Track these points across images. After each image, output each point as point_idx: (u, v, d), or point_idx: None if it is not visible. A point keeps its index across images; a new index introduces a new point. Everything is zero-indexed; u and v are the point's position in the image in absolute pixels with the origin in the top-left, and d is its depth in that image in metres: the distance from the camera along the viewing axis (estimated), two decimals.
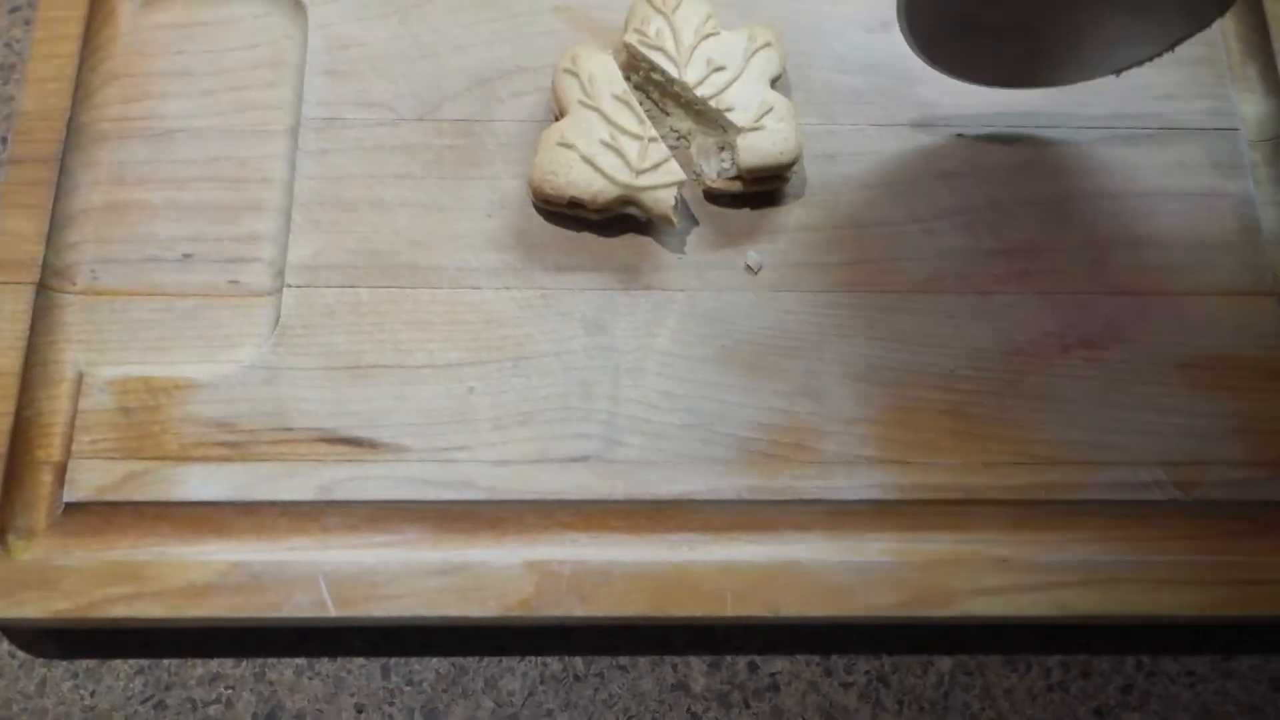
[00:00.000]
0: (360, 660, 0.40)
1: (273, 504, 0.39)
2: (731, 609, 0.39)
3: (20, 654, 0.40)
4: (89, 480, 0.39)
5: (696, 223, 0.44)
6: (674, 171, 0.42)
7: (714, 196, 0.44)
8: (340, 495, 0.39)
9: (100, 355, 0.41)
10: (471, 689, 0.40)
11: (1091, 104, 0.46)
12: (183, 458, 0.40)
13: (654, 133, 0.43)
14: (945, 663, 0.41)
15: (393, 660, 0.40)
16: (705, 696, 0.40)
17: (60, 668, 0.40)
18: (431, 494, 0.40)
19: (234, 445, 0.40)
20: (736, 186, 0.44)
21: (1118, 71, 0.44)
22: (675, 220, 0.43)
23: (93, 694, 0.39)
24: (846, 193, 0.45)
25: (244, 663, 0.40)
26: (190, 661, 0.40)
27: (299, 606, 0.38)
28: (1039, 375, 0.42)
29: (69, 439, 0.40)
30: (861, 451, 0.41)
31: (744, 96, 0.44)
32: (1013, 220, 0.45)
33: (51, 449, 0.40)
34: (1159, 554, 0.40)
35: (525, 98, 0.46)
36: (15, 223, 0.43)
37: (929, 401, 0.42)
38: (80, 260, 0.43)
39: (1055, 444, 0.41)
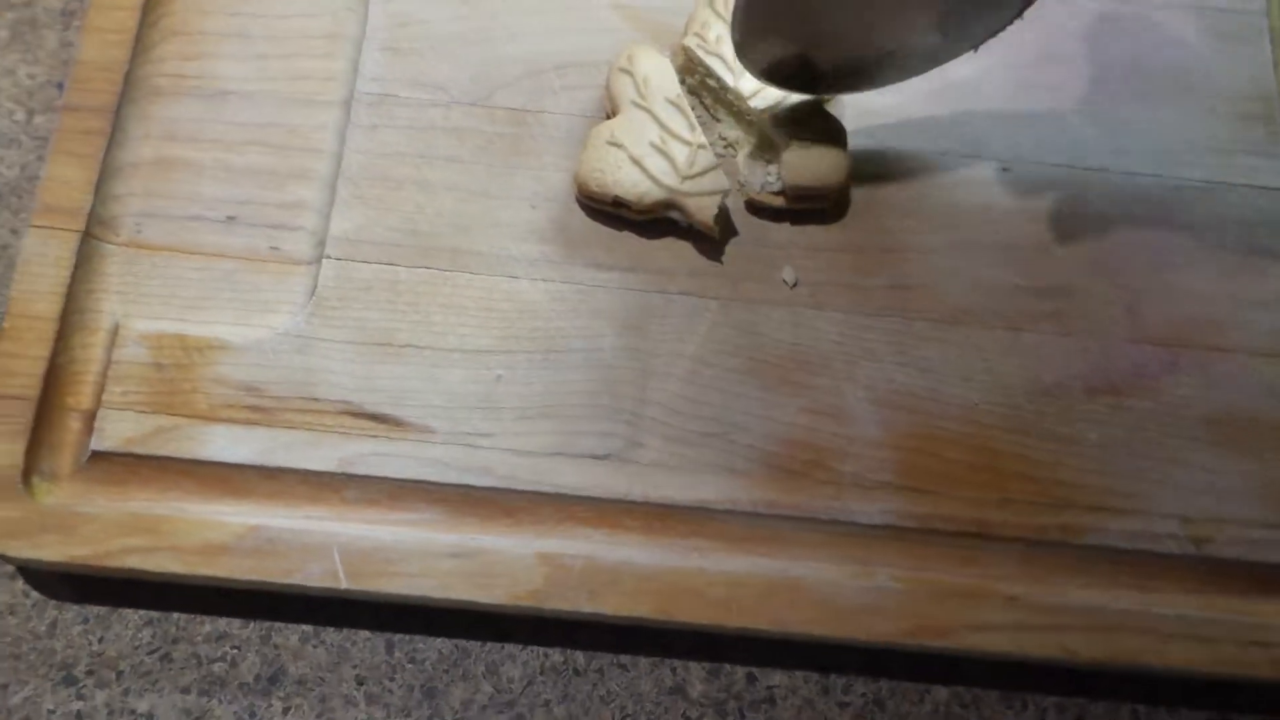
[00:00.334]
0: (366, 633, 0.41)
1: (294, 471, 0.40)
2: (736, 619, 0.39)
3: (34, 594, 0.40)
4: (117, 431, 0.40)
5: (737, 232, 0.44)
6: (719, 181, 0.43)
7: (756, 208, 0.45)
8: (361, 469, 0.40)
9: (137, 308, 0.42)
10: (472, 672, 0.40)
11: (1140, 150, 0.46)
12: (210, 417, 0.40)
13: (703, 140, 0.43)
14: (942, 692, 0.41)
15: (397, 636, 0.41)
16: (701, 703, 0.40)
17: (71, 611, 0.40)
18: (451, 477, 0.40)
19: (261, 410, 0.40)
20: (779, 201, 0.44)
21: (975, 47, 0.43)
22: (717, 230, 0.43)
23: (101, 640, 0.40)
24: (889, 216, 0.45)
25: (251, 624, 0.40)
26: (199, 618, 0.40)
27: (311, 575, 0.38)
28: (1062, 417, 0.42)
29: (100, 388, 0.40)
30: (879, 476, 0.41)
31: (797, 113, 0.44)
32: (1051, 260, 0.45)
33: (82, 397, 0.40)
34: (1167, 606, 0.40)
35: (578, 92, 0.46)
36: (65, 170, 0.43)
37: (951, 433, 0.42)
38: (125, 213, 0.43)
39: (1072, 487, 0.41)
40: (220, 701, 0.39)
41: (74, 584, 0.40)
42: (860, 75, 0.44)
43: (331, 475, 0.40)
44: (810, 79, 0.43)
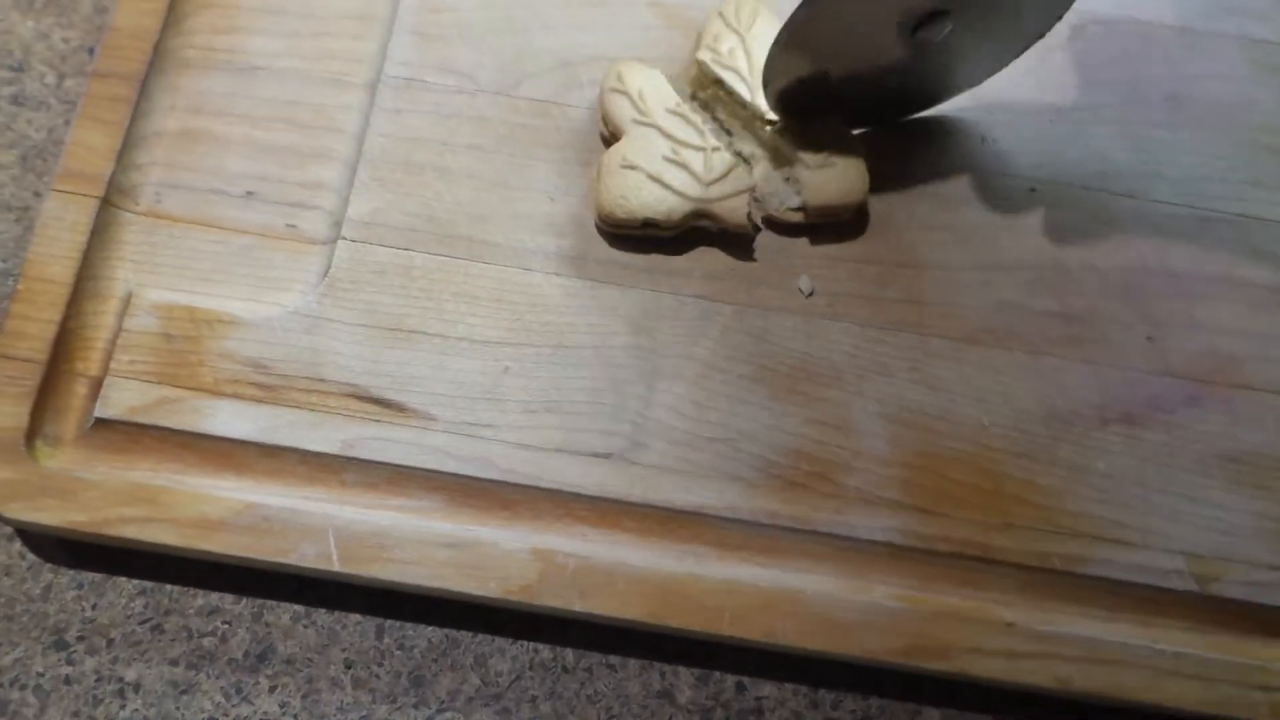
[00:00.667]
0: (356, 617, 0.40)
1: (295, 451, 0.40)
2: (728, 628, 0.39)
3: (30, 557, 0.41)
4: (121, 399, 0.40)
5: (757, 241, 0.44)
6: (742, 179, 0.42)
7: (773, 224, 0.44)
8: (362, 453, 0.40)
9: (151, 278, 0.42)
10: (461, 663, 0.40)
11: (1173, 178, 0.46)
12: (215, 392, 0.40)
13: (715, 142, 0.42)
14: (933, 714, 0.41)
15: (388, 622, 0.40)
16: (689, 709, 0.40)
17: (66, 576, 0.40)
18: (451, 466, 0.40)
19: (266, 387, 0.40)
20: (799, 218, 0.43)
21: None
22: (750, 227, 0.42)
23: (94, 607, 0.40)
24: (910, 230, 0.44)
25: (244, 600, 0.40)
26: (192, 591, 0.40)
27: (305, 556, 0.38)
28: (1074, 445, 0.42)
29: (108, 356, 0.41)
30: (884, 493, 0.41)
31: (815, 130, 0.43)
32: (1074, 284, 0.44)
33: (90, 363, 0.41)
34: (1166, 643, 0.40)
35: None
36: (90, 135, 0.43)
37: (959, 453, 0.41)
38: (146, 182, 0.43)
39: (1079, 516, 0.41)
40: (208, 676, 0.39)
41: (70, 549, 0.41)
42: (886, 110, 0.44)
43: (332, 457, 0.40)
44: (835, 111, 0.43)
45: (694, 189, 0.42)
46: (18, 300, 0.41)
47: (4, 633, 0.39)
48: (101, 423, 0.40)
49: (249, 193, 0.43)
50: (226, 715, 0.39)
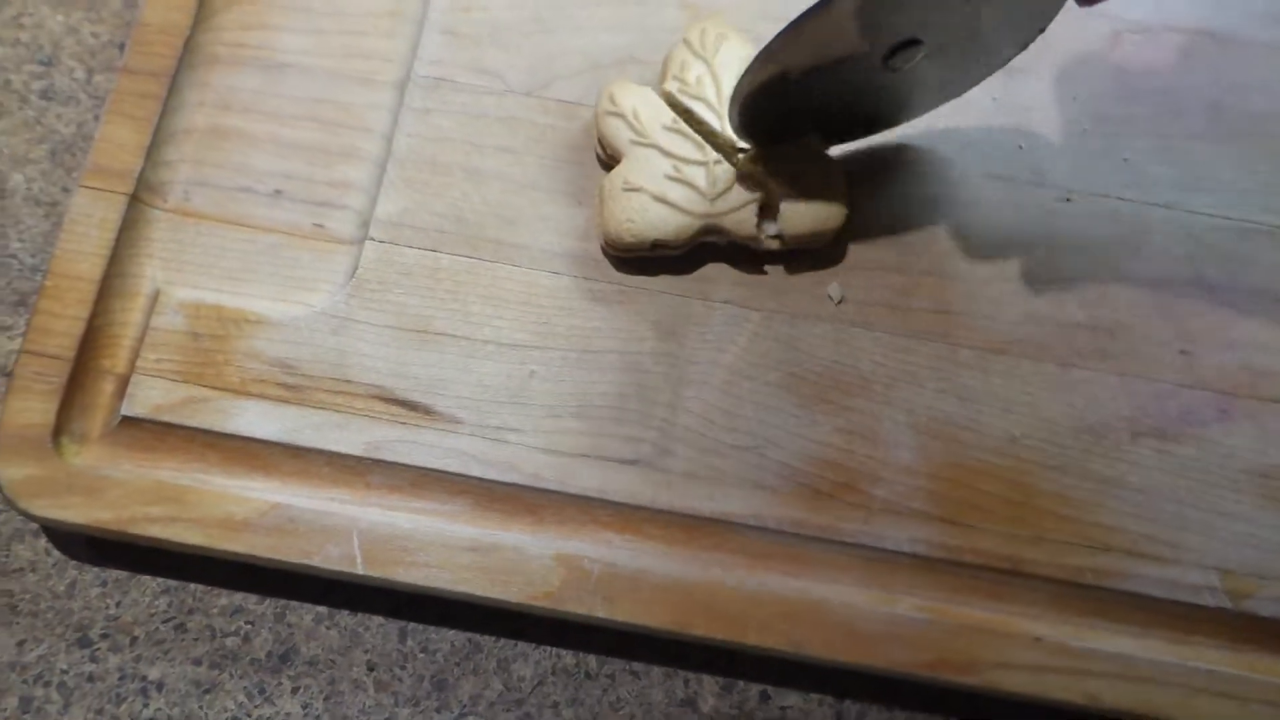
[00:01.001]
0: (380, 619, 0.40)
1: (320, 452, 0.40)
2: (753, 638, 0.38)
3: (56, 554, 0.41)
4: (148, 397, 0.40)
5: (783, 245, 0.44)
6: (748, 190, 0.42)
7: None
8: (387, 455, 0.40)
9: (178, 276, 0.42)
10: (483, 667, 0.40)
11: (1210, 190, 0.45)
12: (241, 391, 0.40)
13: (716, 155, 0.42)
14: None
15: (411, 625, 0.40)
16: (712, 717, 0.40)
17: (91, 574, 0.40)
18: (476, 470, 0.40)
19: (292, 388, 0.40)
20: (775, 245, 0.42)
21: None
22: (762, 237, 0.42)
23: (118, 605, 0.40)
24: (942, 239, 0.44)
25: (267, 601, 0.40)
26: (215, 590, 0.40)
27: (329, 558, 0.38)
28: (1105, 458, 0.41)
29: (135, 353, 0.40)
30: (911, 503, 0.40)
31: (790, 155, 0.42)
32: (1106, 296, 0.44)
33: (117, 360, 0.41)
34: (1197, 660, 0.39)
35: None
36: (119, 131, 0.43)
37: (988, 465, 0.41)
38: (174, 179, 0.43)
39: (1110, 530, 0.40)
40: (231, 676, 0.39)
41: (95, 547, 0.41)
42: (854, 130, 0.44)
43: (357, 459, 0.40)
44: (802, 133, 0.43)
45: (700, 205, 0.41)
46: (45, 296, 0.41)
47: (29, 629, 0.39)
48: (127, 421, 0.40)
49: (277, 191, 0.43)
50: (249, 715, 0.39)
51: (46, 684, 0.39)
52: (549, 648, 0.40)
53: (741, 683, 0.40)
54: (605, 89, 0.43)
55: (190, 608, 0.40)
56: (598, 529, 0.40)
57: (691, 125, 0.43)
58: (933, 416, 0.41)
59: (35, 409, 0.39)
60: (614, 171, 0.42)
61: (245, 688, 0.39)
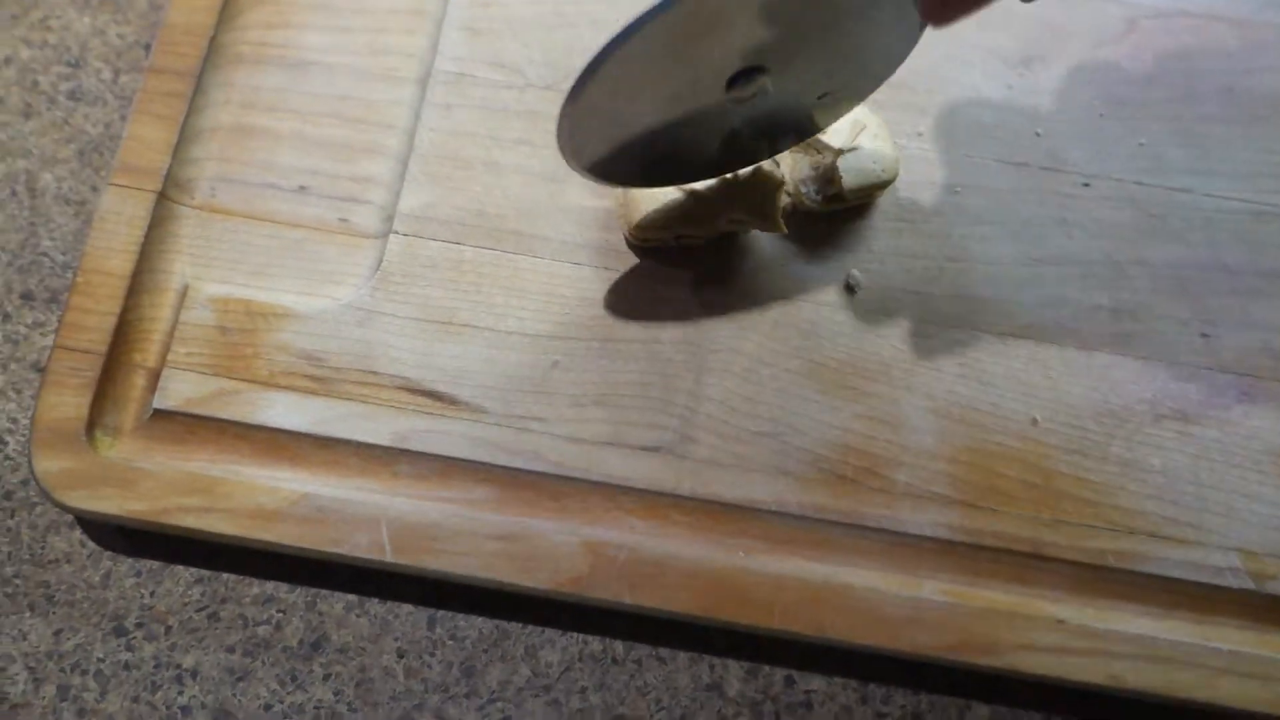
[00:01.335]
0: (409, 607, 0.41)
1: (348, 443, 0.40)
2: (778, 622, 0.39)
3: (90, 545, 0.41)
4: (179, 390, 0.40)
5: (804, 234, 0.44)
6: (769, 171, 0.42)
7: (811, 215, 0.44)
8: (414, 445, 0.40)
9: (207, 271, 0.42)
10: (511, 654, 0.41)
11: (1227, 173, 0.45)
12: (270, 384, 0.41)
13: None
14: (982, 710, 0.41)
15: (440, 613, 0.41)
16: (738, 701, 0.40)
17: (125, 564, 0.41)
18: (502, 459, 0.40)
19: (320, 380, 0.41)
20: (836, 204, 0.43)
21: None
22: (783, 224, 0.42)
23: (152, 594, 0.41)
24: (960, 225, 0.44)
25: (298, 590, 0.41)
26: (248, 579, 0.41)
27: (358, 546, 0.39)
28: (1126, 441, 0.41)
29: (166, 347, 0.41)
30: (933, 488, 0.41)
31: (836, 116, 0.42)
32: (1126, 279, 0.44)
33: (148, 354, 0.41)
34: (1220, 641, 0.39)
35: None
36: (146, 130, 0.44)
37: (1010, 449, 0.41)
38: (201, 176, 0.44)
39: (1132, 513, 0.41)
40: (263, 663, 0.40)
41: (129, 537, 0.41)
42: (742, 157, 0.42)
43: (385, 449, 0.40)
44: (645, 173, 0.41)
45: (721, 190, 0.42)
46: (77, 293, 0.41)
47: (65, 619, 0.40)
48: (160, 414, 0.40)
49: (302, 187, 0.44)
50: (281, 702, 0.40)
51: (84, 672, 0.40)
52: (575, 634, 0.41)
53: (766, 667, 0.41)
54: None
55: (223, 597, 0.41)
56: (622, 516, 0.40)
57: None
58: (954, 401, 0.42)
59: (69, 403, 0.40)
60: None
61: (278, 675, 0.40)
